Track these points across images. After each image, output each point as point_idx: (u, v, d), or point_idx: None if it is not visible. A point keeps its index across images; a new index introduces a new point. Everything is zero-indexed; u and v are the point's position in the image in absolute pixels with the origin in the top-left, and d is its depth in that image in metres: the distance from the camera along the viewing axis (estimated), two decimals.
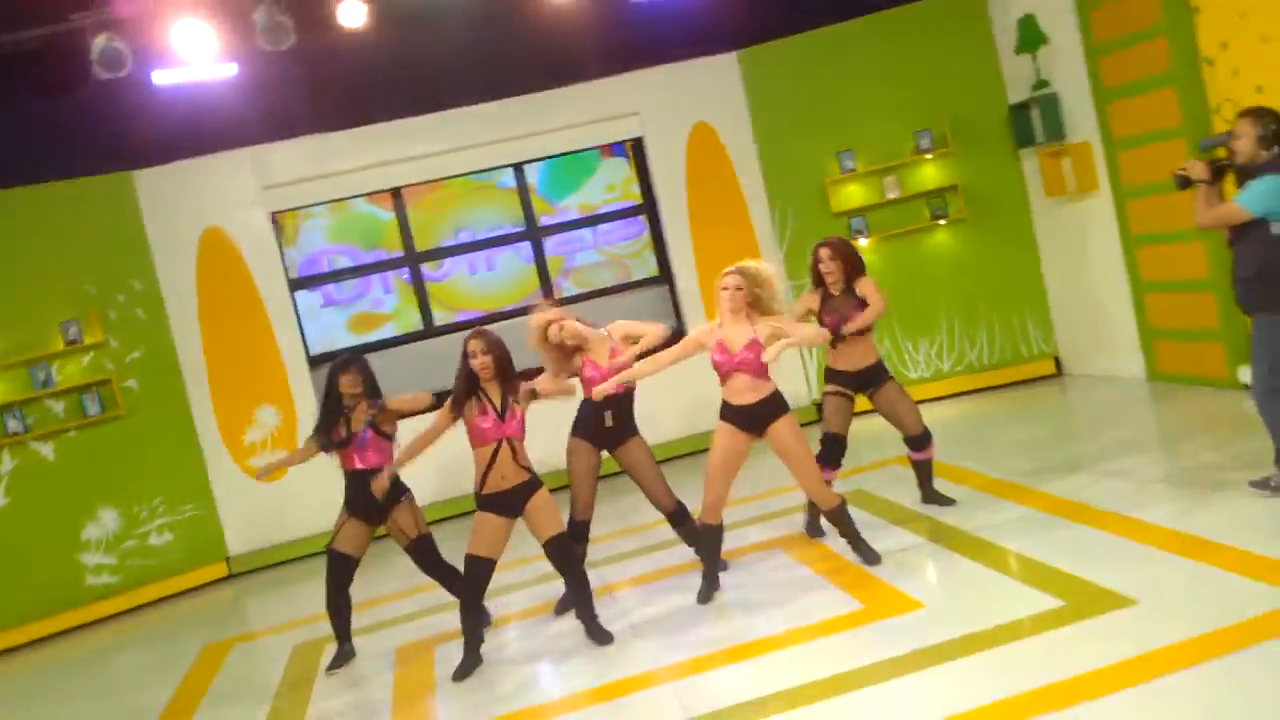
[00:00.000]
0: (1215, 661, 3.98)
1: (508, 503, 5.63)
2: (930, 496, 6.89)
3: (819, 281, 6.65)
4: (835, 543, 6.40)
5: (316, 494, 9.52)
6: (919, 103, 10.34)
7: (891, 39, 10.31)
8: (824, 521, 6.66)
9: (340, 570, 6.27)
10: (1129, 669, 4.04)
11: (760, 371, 5.73)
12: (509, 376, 5.65)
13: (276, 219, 10.09)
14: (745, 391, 5.76)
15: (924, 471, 6.89)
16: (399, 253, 10.55)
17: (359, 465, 6.19)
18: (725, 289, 5.75)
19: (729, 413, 5.84)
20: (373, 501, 6.18)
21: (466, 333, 5.79)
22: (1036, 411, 9.39)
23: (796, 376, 10.41)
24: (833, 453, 6.68)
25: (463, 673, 5.65)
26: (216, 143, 9.72)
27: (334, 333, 10.49)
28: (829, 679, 4.55)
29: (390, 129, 10.07)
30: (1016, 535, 5.95)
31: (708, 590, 5.97)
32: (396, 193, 10.42)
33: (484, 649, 5.85)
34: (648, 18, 9.29)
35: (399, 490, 6.27)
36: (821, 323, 6.58)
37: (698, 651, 5.23)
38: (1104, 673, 4.05)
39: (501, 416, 5.57)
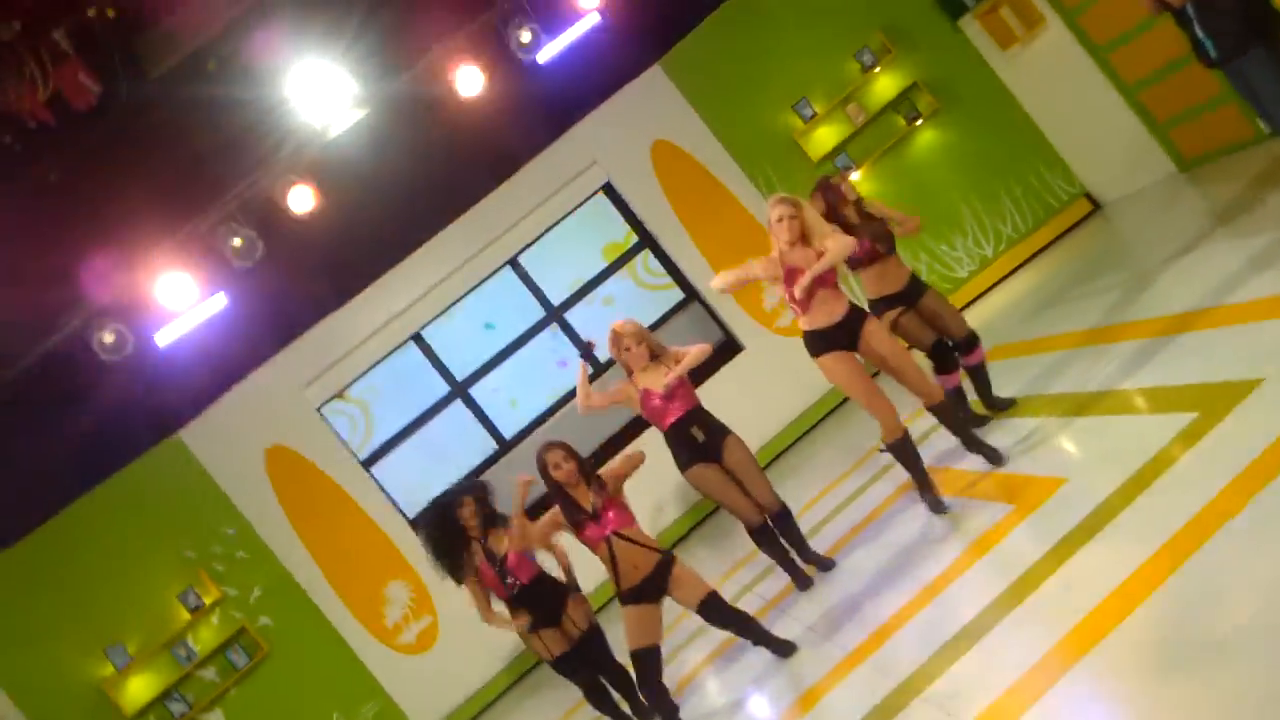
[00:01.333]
0: None
1: (649, 589, 5.59)
2: (993, 403, 6.62)
3: (835, 222, 6.40)
4: (962, 462, 6.27)
5: (476, 641, 9.59)
6: (845, 26, 10.29)
7: None
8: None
9: (585, 670, 6.18)
10: None
11: (834, 282, 5.68)
12: (592, 474, 5.67)
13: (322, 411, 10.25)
14: (833, 304, 5.65)
15: (981, 377, 6.61)
16: (445, 389, 10.64)
17: (525, 580, 6.10)
18: (780, 220, 5.63)
19: (825, 338, 5.67)
20: (550, 604, 6.11)
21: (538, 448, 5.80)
22: (1093, 251, 9.21)
23: None
24: (944, 357, 6.49)
25: None
26: (240, 369, 9.91)
27: (427, 486, 10.53)
28: (1011, 588, 4.47)
29: (386, 282, 10.20)
30: (1125, 373, 5.83)
31: (935, 501, 5.77)
32: (418, 337, 10.53)
33: (684, 712, 5.81)
34: (561, 73, 9.34)
35: (570, 585, 6.27)
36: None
37: (879, 621, 5.16)
38: (1262, 459, 3.92)
39: (597, 518, 5.57)
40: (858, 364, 5.73)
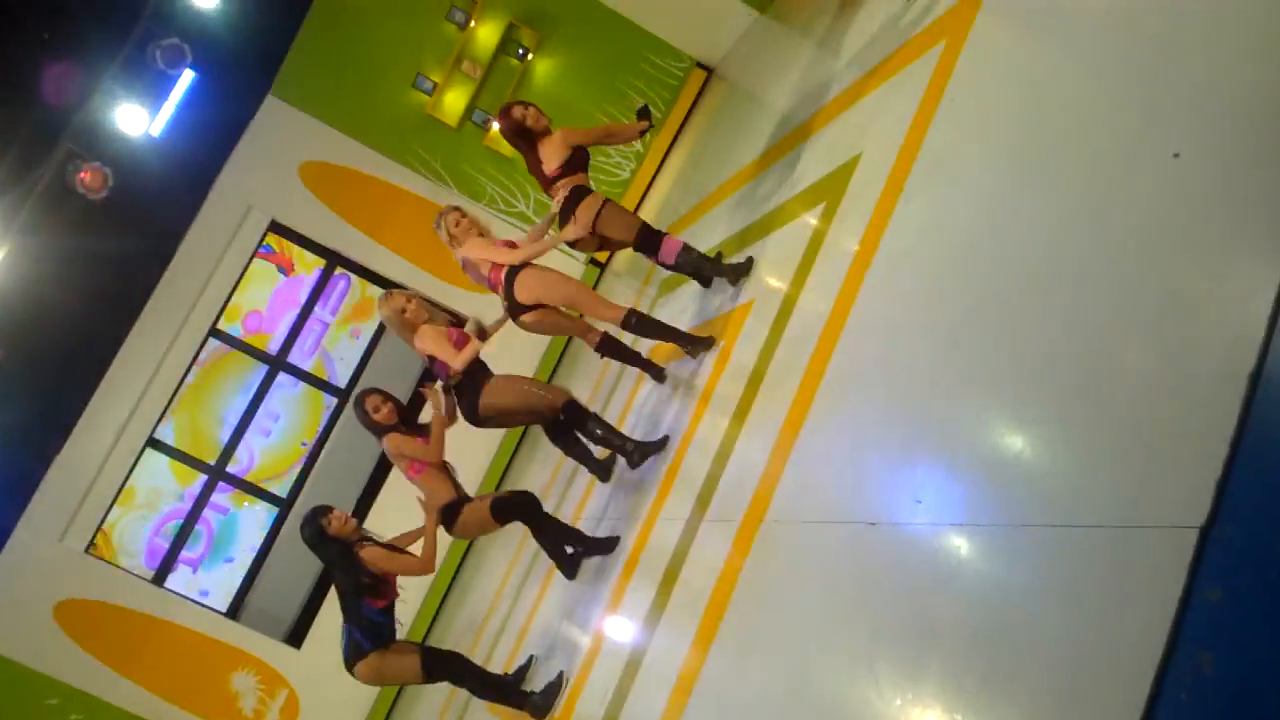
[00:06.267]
0: (941, 111, 4.54)
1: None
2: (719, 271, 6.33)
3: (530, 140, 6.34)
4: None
5: (336, 689, 9.69)
6: None
7: None
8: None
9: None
10: (890, 187, 4.62)
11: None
12: (405, 413, 5.92)
13: (92, 550, 9.99)
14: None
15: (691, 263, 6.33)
16: (203, 478, 10.55)
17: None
18: (457, 224, 6.15)
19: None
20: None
21: (354, 402, 5.93)
22: (725, 111, 9.96)
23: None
24: (648, 240, 6.27)
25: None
26: None
27: (229, 579, 10.48)
28: (739, 402, 5.08)
29: (98, 403, 9.94)
30: (775, 192, 6.45)
31: (657, 372, 6.45)
32: (155, 443, 10.34)
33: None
34: (181, 138, 9.33)
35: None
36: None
37: (659, 481, 5.71)
38: (873, 219, 4.62)
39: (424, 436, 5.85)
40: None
